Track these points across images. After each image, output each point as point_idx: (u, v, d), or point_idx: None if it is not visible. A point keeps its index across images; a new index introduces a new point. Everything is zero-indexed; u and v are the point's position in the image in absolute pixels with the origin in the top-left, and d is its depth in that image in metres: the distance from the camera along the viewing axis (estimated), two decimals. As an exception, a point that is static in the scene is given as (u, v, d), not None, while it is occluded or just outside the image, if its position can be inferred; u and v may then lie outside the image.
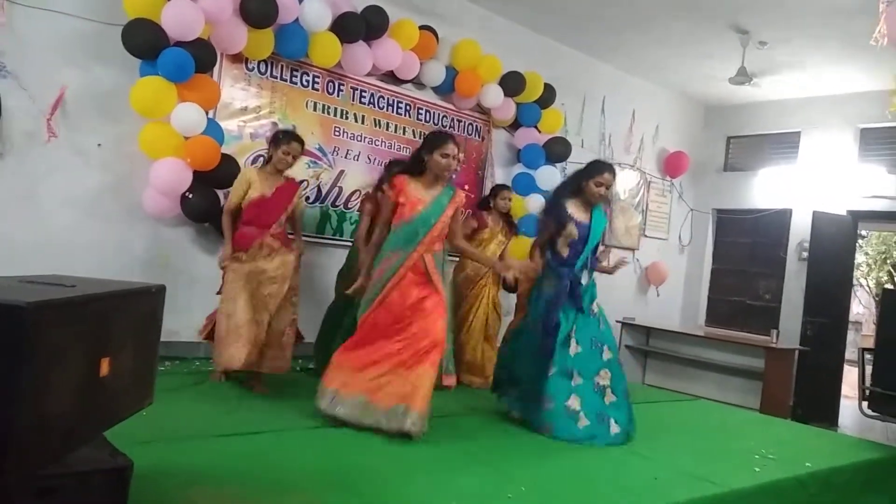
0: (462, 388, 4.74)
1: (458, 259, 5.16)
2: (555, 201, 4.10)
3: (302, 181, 5.28)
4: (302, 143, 4.24)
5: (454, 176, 3.69)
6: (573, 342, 3.85)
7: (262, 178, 4.15)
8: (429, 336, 3.41)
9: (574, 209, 3.97)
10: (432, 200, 3.54)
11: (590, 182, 3.95)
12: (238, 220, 4.16)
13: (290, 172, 4.31)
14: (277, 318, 4.05)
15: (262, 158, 5.04)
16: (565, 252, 3.95)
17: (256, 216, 4.09)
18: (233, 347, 3.91)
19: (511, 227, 5.36)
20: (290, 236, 4.34)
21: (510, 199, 5.30)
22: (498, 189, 5.31)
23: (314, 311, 4.84)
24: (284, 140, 4.15)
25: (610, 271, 4.27)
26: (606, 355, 3.90)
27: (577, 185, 4.02)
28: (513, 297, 5.62)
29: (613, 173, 4.01)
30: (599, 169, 3.98)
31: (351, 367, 3.47)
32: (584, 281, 3.96)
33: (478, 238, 5.11)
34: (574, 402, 3.73)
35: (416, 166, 3.60)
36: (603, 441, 3.67)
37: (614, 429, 3.74)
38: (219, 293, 4.21)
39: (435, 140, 3.58)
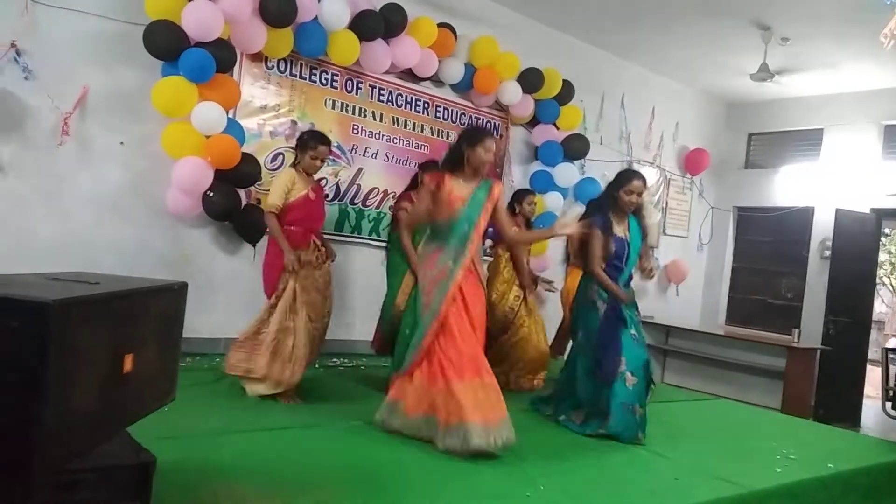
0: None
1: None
2: (597, 211, 4.05)
3: (321, 179, 5.31)
4: (329, 143, 4.15)
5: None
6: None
7: (301, 179, 4.03)
8: (479, 359, 3.35)
9: (614, 223, 3.96)
10: (470, 197, 3.48)
11: (620, 192, 3.95)
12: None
13: None
14: (324, 319, 4.08)
15: (281, 157, 5.09)
16: (602, 266, 3.93)
17: (303, 217, 4.00)
18: (293, 368, 3.83)
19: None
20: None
21: (535, 204, 5.32)
22: (523, 194, 5.31)
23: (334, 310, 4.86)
24: (312, 144, 4.02)
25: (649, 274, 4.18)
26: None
27: (610, 198, 4.00)
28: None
29: (643, 180, 3.99)
30: (629, 177, 3.97)
31: (422, 385, 3.36)
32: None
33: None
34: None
35: (455, 160, 3.56)
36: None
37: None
38: (270, 297, 4.01)
39: (476, 134, 3.55)
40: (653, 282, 8.14)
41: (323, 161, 4.10)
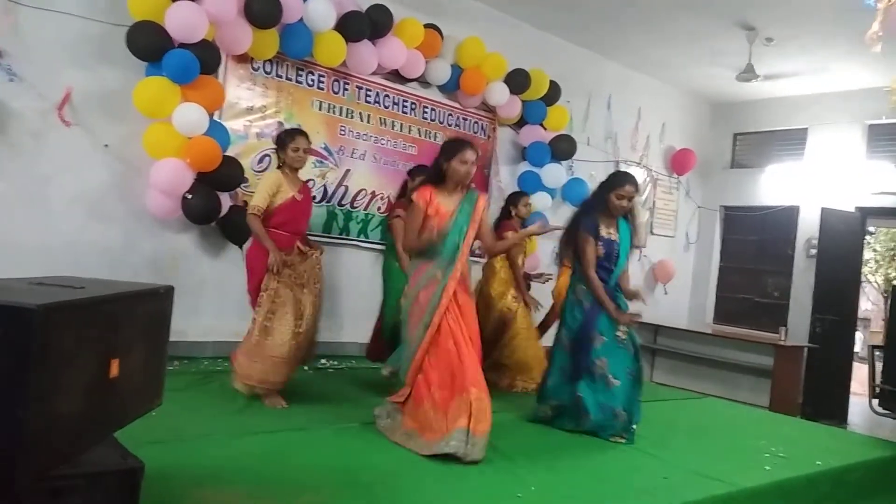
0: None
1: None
2: (585, 214, 4.00)
3: (308, 180, 5.29)
4: (306, 135, 4.12)
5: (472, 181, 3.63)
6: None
7: (288, 181, 4.02)
8: (469, 372, 3.30)
9: (601, 225, 3.92)
10: (457, 209, 3.50)
11: (611, 195, 3.90)
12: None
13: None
14: (309, 318, 3.99)
15: (268, 158, 5.06)
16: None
17: (289, 220, 3.99)
18: (280, 371, 3.81)
19: None
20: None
21: (530, 206, 5.36)
22: (517, 197, 5.36)
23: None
24: (289, 138, 4.04)
25: (631, 296, 4.09)
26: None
27: (601, 200, 3.96)
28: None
29: (636, 185, 3.95)
30: (621, 181, 3.93)
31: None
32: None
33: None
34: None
35: (437, 175, 3.56)
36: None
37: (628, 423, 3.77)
38: (254, 298, 3.99)
39: (452, 148, 3.53)
40: (641, 281, 8.16)
41: (306, 152, 4.07)
